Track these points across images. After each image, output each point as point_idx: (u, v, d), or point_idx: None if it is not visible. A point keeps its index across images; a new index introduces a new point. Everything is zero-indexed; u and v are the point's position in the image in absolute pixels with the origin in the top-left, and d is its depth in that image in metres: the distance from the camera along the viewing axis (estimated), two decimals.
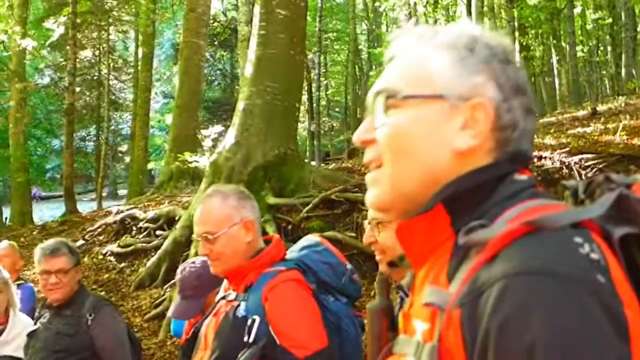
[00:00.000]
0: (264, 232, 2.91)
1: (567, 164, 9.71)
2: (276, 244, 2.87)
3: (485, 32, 1.20)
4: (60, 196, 24.29)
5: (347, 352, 2.77)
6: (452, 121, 1.13)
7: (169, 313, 4.02)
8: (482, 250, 0.97)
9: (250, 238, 2.77)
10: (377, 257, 2.23)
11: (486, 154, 1.13)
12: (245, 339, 2.51)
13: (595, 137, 12.30)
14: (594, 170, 9.27)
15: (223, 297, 2.84)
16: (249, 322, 2.54)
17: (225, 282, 2.91)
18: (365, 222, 2.29)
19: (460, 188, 1.10)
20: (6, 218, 20.28)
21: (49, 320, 4.16)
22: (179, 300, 3.83)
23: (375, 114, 1.21)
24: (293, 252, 2.96)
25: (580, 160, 9.78)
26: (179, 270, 3.97)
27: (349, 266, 2.97)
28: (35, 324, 4.24)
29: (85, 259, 11.14)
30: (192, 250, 8.77)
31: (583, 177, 9.19)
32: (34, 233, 14.50)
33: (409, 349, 1.07)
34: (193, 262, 3.89)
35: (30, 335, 4.19)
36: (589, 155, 9.94)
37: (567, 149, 10.64)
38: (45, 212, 25.72)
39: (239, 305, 2.64)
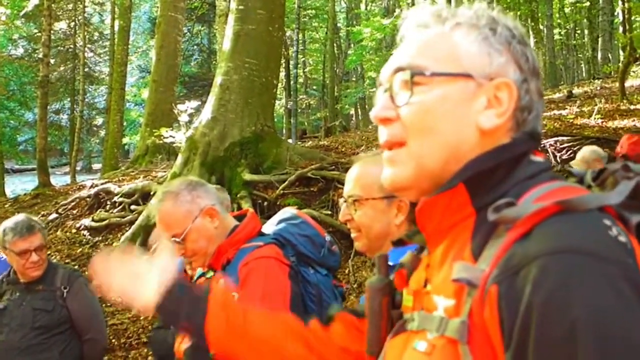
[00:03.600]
0: (240, 208, 2.90)
1: (542, 145, 9.77)
2: (251, 219, 2.86)
3: (501, 14, 1.22)
4: (33, 169, 24.01)
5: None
6: (477, 100, 1.15)
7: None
8: (512, 227, 0.99)
9: (217, 222, 2.76)
10: (353, 235, 2.22)
11: (506, 133, 1.16)
12: None
13: (571, 120, 12.41)
14: (568, 153, 9.35)
15: (202, 275, 2.84)
16: None
17: None
18: (341, 200, 2.29)
19: (481, 167, 1.12)
20: None
21: (20, 297, 4.09)
22: None
23: (394, 91, 1.20)
24: (271, 225, 2.96)
25: (555, 142, 9.87)
26: None
27: (327, 238, 2.98)
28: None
29: (59, 233, 11.05)
30: None
31: (558, 159, 9.28)
32: (6, 206, 14.34)
33: (430, 325, 1.08)
34: None
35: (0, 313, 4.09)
36: (564, 138, 10.04)
37: (543, 131, 10.71)
38: (18, 185, 25.41)
39: (217, 282, 2.64)
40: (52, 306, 4.07)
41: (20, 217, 4.27)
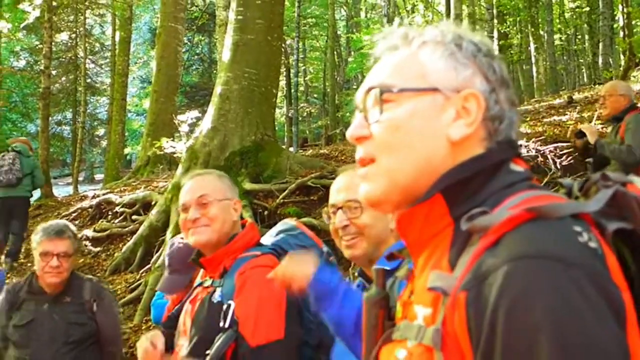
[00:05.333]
0: (240, 218, 2.94)
1: (542, 152, 9.76)
2: (250, 229, 2.88)
3: (467, 30, 1.26)
4: None
5: (325, 333, 2.79)
6: (445, 112, 1.18)
7: (157, 287, 4.07)
8: (485, 235, 1.01)
9: (236, 218, 2.82)
10: (348, 242, 2.23)
11: (478, 143, 1.18)
12: (221, 324, 2.52)
13: (571, 126, 12.38)
14: (568, 159, 9.32)
15: (200, 284, 2.85)
16: (224, 307, 2.56)
17: (201, 270, 2.93)
18: (325, 210, 2.33)
19: (457, 177, 1.14)
20: None
21: (49, 309, 4.01)
22: (166, 274, 3.90)
23: (367, 110, 1.24)
24: (270, 236, 2.97)
25: (555, 148, 9.84)
26: (168, 245, 4.02)
27: (325, 249, 2.97)
28: (18, 309, 4.04)
29: None
30: (168, 235, 8.75)
31: (558, 165, 9.26)
32: None
33: (410, 333, 1.10)
34: (182, 238, 3.94)
35: (27, 326, 3.98)
36: (564, 144, 10.00)
37: (543, 137, 10.71)
38: None
39: (214, 291, 2.66)
40: (84, 319, 4.03)
41: (58, 221, 4.27)
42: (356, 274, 2.11)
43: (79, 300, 4.07)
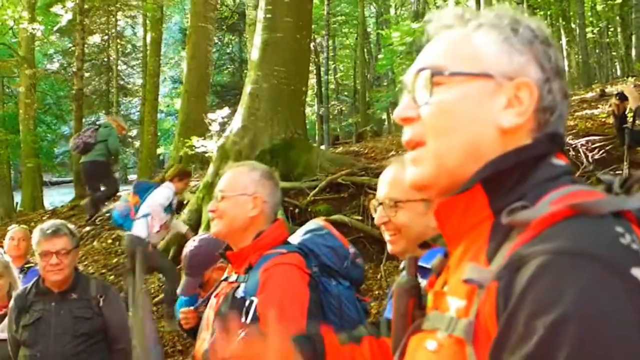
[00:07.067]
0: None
1: (573, 146, 9.68)
2: (277, 227, 2.87)
3: (524, 15, 1.22)
4: (70, 181, 24.29)
5: None
6: (496, 99, 1.15)
7: (178, 290, 4.20)
8: (524, 230, 0.99)
9: (255, 214, 2.77)
10: (389, 238, 2.24)
11: (527, 134, 1.15)
12: (243, 319, 2.52)
13: (603, 119, 12.22)
14: (600, 152, 9.23)
15: (225, 279, 2.87)
16: (247, 303, 2.56)
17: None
18: (372, 202, 2.31)
19: (498, 168, 1.11)
20: (17, 203, 20.41)
21: (56, 306, 4.08)
22: (183, 277, 4.08)
23: (416, 91, 1.21)
24: (297, 236, 2.99)
25: (587, 142, 9.75)
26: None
27: (352, 250, 2.98)
28: (26, 311, 4.10)
29: (95, 244, 11.22)
30: (201, 234, 8.79)
31: (590, 159, 9.17)
32: (44, 218, 14.55)
33: (441, 324, 1.09)
34: (193, 241, 4.03)
35: (34, 324, 4.05)
36: (596, 138, 9.91)
37: (574, 131, 10.61)
38: (56, 197, 25.73)
39: (238, 287, 2.67)
40: (90, 314, 4.09)
41: (54, 221, 4.35)
42: (401, 266, 2.10)
43: (85, 296, 4.14)
